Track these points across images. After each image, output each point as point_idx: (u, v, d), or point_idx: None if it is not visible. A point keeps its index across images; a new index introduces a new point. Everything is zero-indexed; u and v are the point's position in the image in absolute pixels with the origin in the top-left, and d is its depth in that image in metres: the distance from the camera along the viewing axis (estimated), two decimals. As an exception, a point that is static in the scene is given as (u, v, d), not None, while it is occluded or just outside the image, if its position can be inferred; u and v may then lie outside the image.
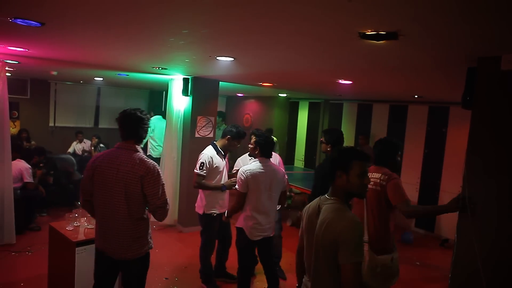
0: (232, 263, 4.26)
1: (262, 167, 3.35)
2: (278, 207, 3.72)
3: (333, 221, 1.91)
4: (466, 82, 2.65)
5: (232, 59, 3.57)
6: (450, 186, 6.25)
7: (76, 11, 2.26)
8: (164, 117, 7.76)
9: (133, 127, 2.60)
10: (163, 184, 2.59)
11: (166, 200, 2.59)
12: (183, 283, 4.19)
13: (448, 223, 6.14)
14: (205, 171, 3.76)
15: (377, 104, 7.78)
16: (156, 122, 7.71)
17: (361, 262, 1.88)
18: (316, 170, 3.81)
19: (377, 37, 2.21)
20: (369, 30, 2.12)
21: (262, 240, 3.44)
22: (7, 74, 4.76)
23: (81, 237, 3.28)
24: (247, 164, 3.73)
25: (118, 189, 2.50)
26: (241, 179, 3.32)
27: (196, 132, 5.72)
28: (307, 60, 3.44)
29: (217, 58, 3.58)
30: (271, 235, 3.50)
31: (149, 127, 2.71)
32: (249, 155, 4.07)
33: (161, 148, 7.20)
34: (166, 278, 4.24)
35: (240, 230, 3.44)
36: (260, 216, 3.35)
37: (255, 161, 3.45)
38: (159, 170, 2.57)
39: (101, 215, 2.60)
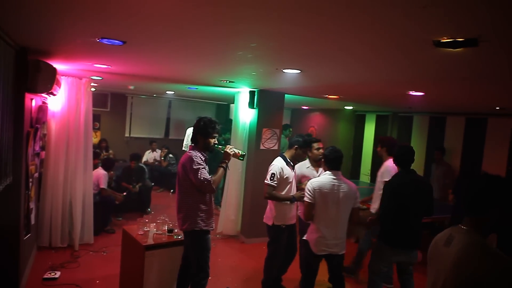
0: (288, 276, 4.20)
1: (331, 180, 3.30)
2: None
3: (470, 257, 1.63)
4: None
5: (299, 71, 3.58)
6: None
7: (154, 30, 2.42)
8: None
9: (194, 132, 3.35)
10: (198, 168, 3.13)
11: (203, 179, 3.11)
12: (245, 293, 4.21)
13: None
14: (276, 182, 3.79)
15: (451, 117, 7.29)
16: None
17: None
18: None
19: (454, 44, 2.07)
20: (445, 38, 2.00)
21: (329, 256, 3.37)
22: (92, 89, 5.24)
23: (150, 241, 3.45)
24: (303, 171, 4.09)
25: (179, 177, 3.27)
26: (308, 189, 3.31)
27: (261, 144, 5.78)
28: (377, 72, 3.33)
29: (284, 70, 3.60)
30: (340, 253, 3.38)
31: (216, 133, 3.31)
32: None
33: None
34: (227, 287, 4.29)
35: (305, 242, 3.44)
36: (325, 230, 3.30)
37: (325, 173, 3.41)
38: (194, 159, 3.15)
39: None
